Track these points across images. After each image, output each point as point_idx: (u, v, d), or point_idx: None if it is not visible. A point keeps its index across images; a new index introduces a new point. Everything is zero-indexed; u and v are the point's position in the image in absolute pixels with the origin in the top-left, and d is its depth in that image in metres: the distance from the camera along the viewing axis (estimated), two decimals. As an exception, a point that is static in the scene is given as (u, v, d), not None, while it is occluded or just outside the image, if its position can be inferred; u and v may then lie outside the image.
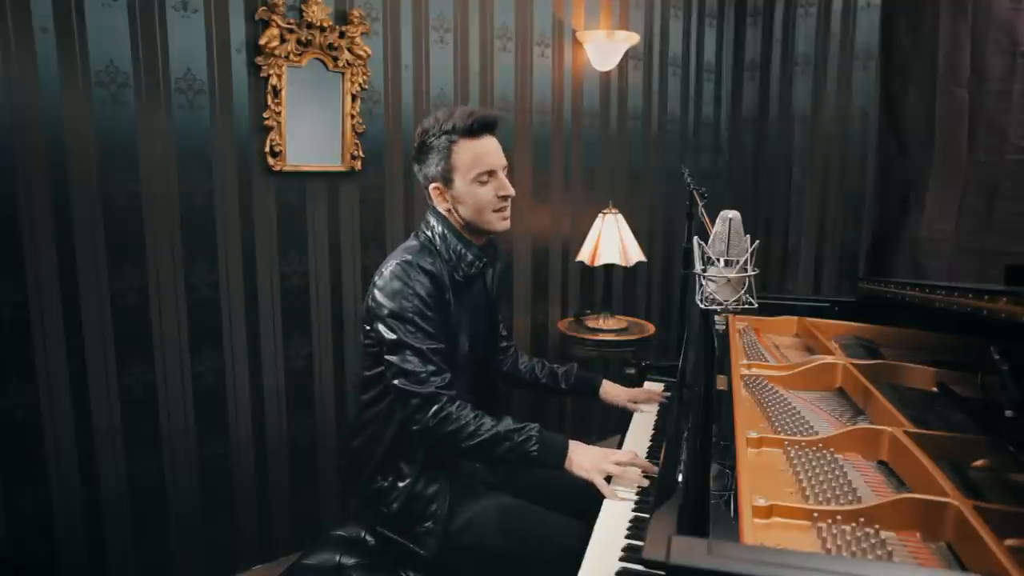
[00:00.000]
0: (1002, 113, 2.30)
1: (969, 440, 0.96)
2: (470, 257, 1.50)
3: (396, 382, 1.39)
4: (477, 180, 1.47)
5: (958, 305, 1.10)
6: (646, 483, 1.36)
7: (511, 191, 1.51)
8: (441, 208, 1.51)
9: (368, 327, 1.47)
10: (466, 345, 1.53)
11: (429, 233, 1.51)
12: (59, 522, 1.89)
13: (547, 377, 1.83)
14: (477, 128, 1.47)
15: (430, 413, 1.37)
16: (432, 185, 1.50)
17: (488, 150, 1.49)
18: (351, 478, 1.64)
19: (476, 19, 2.61)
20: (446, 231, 1.50)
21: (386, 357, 1.41)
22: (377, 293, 1.43)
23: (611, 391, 1.85)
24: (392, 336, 1.39)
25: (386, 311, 1.40)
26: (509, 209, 1.53)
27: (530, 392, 1.97)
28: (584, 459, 1.40)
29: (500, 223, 1.51)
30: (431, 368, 1.39)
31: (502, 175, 1.51)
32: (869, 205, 2.98)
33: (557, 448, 1.42)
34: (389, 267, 1.44)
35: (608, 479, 1.39)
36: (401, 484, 1.46)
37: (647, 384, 1.98)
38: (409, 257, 1.44)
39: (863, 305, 1.71)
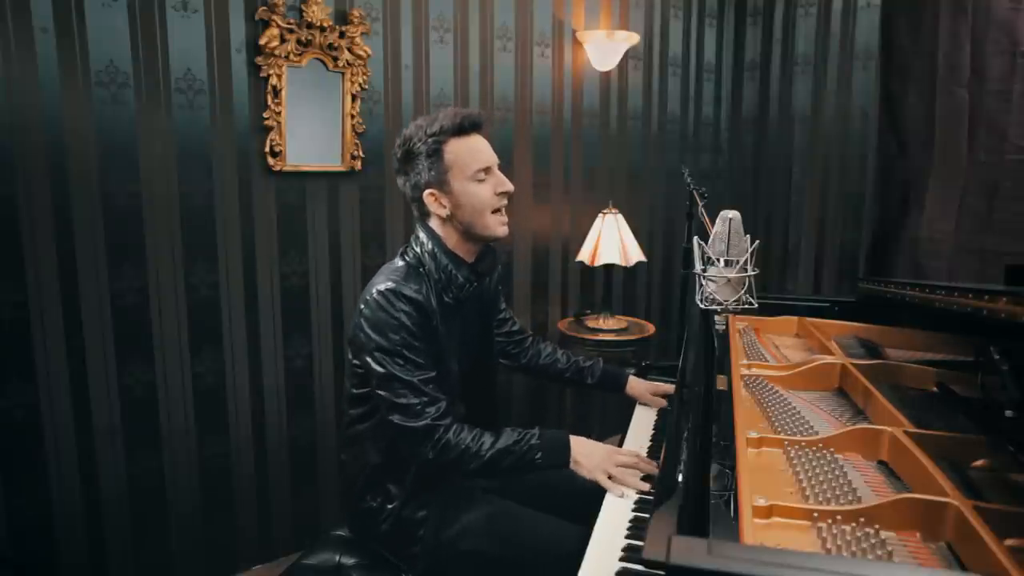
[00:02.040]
0: (1002, 113, 2.30)
1: (969, 440, 0.96)
2: (460, 279, 1.43)
3: (392, 418, 1.36)
4: (474, 178, 1.41)
5: (958, 305, 1.10)
6: (647, 487, 1.36)
7: (510, 187, 1.46)
8: (439, 214, 1.44)
9: (355, 351, 1.43)
10: (456, 365, 1.49)
11: (418, 250, 1.44)
12: (59, 522, 1.89)
13: (572, 372, 1.82)
14: (467, 126, 1.42)
15: (429, 446, 1.35)
16: (427, 192, 1.42)
17: (480, 147, 1.44)
18: (342, 490, 1.62)
19: (476, 19, 2.61)
20: (436, 249, 1.42)
21: (377, 391, 1.37)
22: (363, 323, 1.37)
23: (636, 387, 1.85)
24: (381, 370, 1.35)
25: (373, 345, 1.35)
26: (505, 211, 1.47)
27: (553, 384, 1.93)
28: (588, 459, 1.40)
29: (500, 228, 1.45)
30: (424, 399, 1.35)
31: (498, 171, 1.46)
32: (869, 205, 2.98)
33: (561, 449, 1.41)
34: (372, 294, 1.37)
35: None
36: (390, 506, 1.44)
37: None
38: (392, 284, 1.37)
39: (863, 305, 1.70)
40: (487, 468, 1.37)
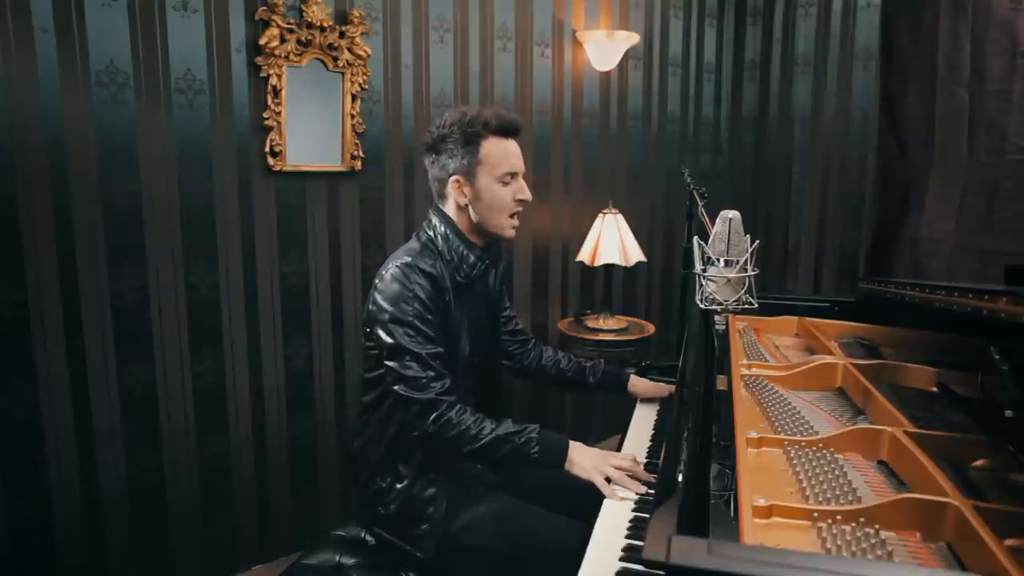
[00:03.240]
0: (1002, 113, 2.30)
1: (969, 440, 0.96)
2: (472, 259, 1.49)
3: (396, 388, 1.39)
4: (500, 180, 1.47)
5: (958, 305, 1.10)
6: (643, 490, 1.36)
7: (529, 195, 1.52)
8: (458, 202, 1.49)
9: (369, 330, 1.46)
10: (467, 348, 1.52)
11: (431, 232, 1.50)
12: (59, 522, 1.89)
13: (574, 372, 1.83)
14: (508, 130, 1.48)
15: (430, 420, 1.37)
16: (453, 178, 1.48)
17: (514, 152, 1.50)
18: (352, 478, 1.64)
19: (476, 19, 2.61)
20: (449, 231, 1.49)
21: (386, 362, 1.40)
22: (377, 296, 1.42)
23: (639, 386, 1.86)
24: (391, 341, 1.39)
25: (387, 316, 1.40)
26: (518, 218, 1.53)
27: (556, 387, 1.95)
28: (584, 460, 1.41)
29: (509, 230, 1.51)
30: (431, 373, 1.38)
31: (522, 179, 1.52)
32: (869, 205, 2.99)
33: (558, 449, 1.42)
34: (389, 270, 1.43)
35: (607, 481, 1.39)
36: (399, 486, 1.46)
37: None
38: (408, 259, 1.43)
39: (863, 305, 1.71)
40: (483, 452, 1.39)
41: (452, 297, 1.46)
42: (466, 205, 1.49)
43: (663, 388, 1.86)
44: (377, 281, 1.45)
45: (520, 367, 1.84)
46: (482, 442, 1.38)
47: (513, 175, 1.49)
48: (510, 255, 2.84)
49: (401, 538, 1.46)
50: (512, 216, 1.51)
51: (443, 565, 1.43)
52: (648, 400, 1.86)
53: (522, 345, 1.83)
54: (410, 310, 1.39)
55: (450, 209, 1.52)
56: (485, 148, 1.46)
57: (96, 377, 1.91)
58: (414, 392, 1.37)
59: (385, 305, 1.40)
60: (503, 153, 1.47)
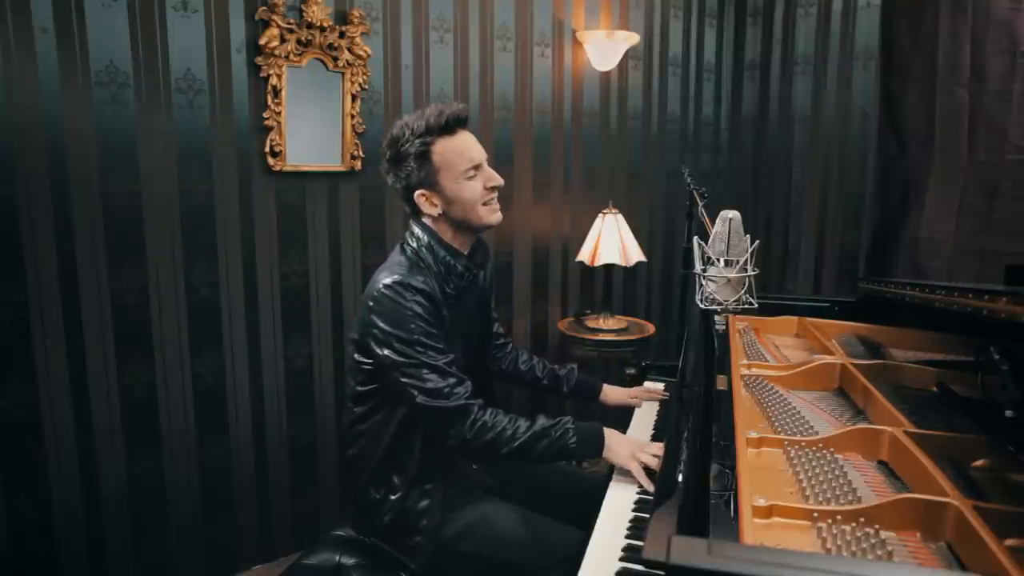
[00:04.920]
0: (1002, 113, 2.30)
1: (969, 440, 0.96)
2: (459, 268, 1.45)
3: (420, 400, 1.35)
4: (464, 176, 1.42)
5: (958, 305, 1.10)
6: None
7: (499, 180, 1.47)
8: (431, 213, 1.45)
9: (363, 347, 1.42)
10: (461, 355, 1.49)
11: (415, 244, 1.45)
12: (59, 522, 1.89)
13: (548, 379, 1.82)
14: (452, 124, 1.43)
15: (466, 426, 1.35)
16: (418, 193, 1.43)
17: (468, 144, 1.45)
18: (347, 485, 1.63)
19: (476, 19, 2.61)
20: (432, 242, 1.44)
21: (402, 380, 1.36)
22: (376, 319, 1.37)
23: (611, 394, 1.84)
24: (404, 359, 1.35)
25: (392, 338, 1.35)
26: (497, 200, 1.48)
27: (529, 391, 1.95)
28: (621, 447, 1.41)
29: (491, 216, 1.46)
30: (452, 380, 1.36)
31: (487, 166, 1.47)
32: (869, 205, 2.98)
33: (595, 437, 1.42)
34: (380, 289, 1.37)
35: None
36: (393, 497, 1.44)
37: (647, 384, 1.98)
38: (398, 277, 1.38)
39: (863, 305, 1.71)
40: (521, 451, 1.37)
41: (446, 311, 1.43)
42: (441, 214, 1.44)
43: (635, 395, 1.85)
44: (371, 302, 1.38)
45: (497, 370, 1.81)
46: (520, 441, 1.36)
47: (476, 167, 1.44)
48: (509, 256, 2.85)
49: (395, 548, 1.46)
50: (488, 204, 1.45)
51: (440, 570, 1.43)
52: (648, 399, 1.86)
53: (500, 349, 1.81)
54: (414, 328, 1.35)
55: (427, 221, 1.47)
56: (437, 153, 1.41)
57: (96, 377, 1.91)
58: (440, 402, 1.34)
59: (387, 327, 1.36)
60: (456, 151, 1.42)
